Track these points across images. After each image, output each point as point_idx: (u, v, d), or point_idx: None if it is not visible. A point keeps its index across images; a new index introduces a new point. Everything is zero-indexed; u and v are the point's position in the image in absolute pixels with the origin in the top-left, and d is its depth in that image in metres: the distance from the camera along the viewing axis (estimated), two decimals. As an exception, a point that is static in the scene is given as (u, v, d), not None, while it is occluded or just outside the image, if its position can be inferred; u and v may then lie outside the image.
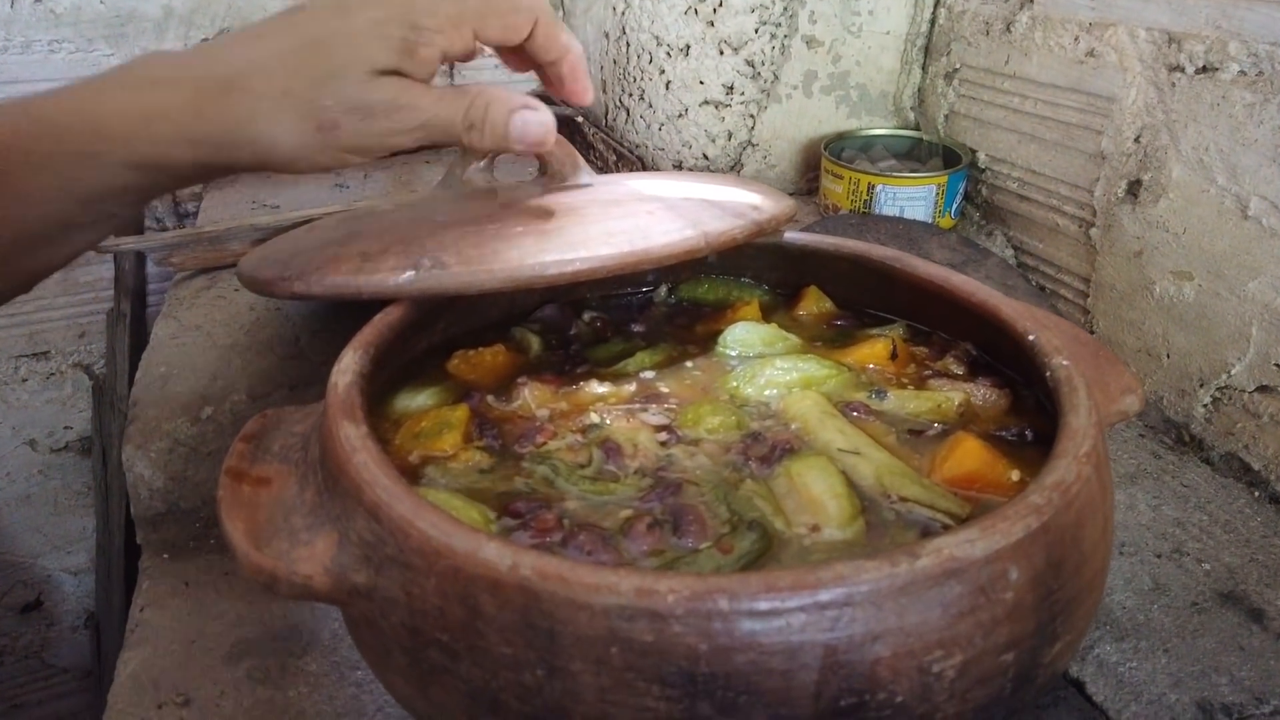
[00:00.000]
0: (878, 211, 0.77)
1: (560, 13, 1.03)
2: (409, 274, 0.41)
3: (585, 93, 0.46)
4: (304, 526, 0.36)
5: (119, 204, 0.43)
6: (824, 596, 0.29)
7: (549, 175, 0.53)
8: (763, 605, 0.29)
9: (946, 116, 0.84)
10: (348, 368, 0.40)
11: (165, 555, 0.55)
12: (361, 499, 0.34)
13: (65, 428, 0.93)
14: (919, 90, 0.87)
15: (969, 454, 0.41)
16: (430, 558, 0.31)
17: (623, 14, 0.85)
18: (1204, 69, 0.58)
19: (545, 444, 0.43)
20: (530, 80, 0.51)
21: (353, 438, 0.36)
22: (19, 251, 0.42)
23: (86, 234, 0.44)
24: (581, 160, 0.53)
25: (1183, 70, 0.59)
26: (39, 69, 0.81)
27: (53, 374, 0.89)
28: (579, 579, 0.30)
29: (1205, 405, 0.60)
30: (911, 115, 0.88)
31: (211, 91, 0.39)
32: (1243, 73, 0.56)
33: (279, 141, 0.39)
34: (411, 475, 0.40)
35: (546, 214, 0.45)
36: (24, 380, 0.89)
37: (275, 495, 0.38)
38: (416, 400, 0.46)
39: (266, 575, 0.34)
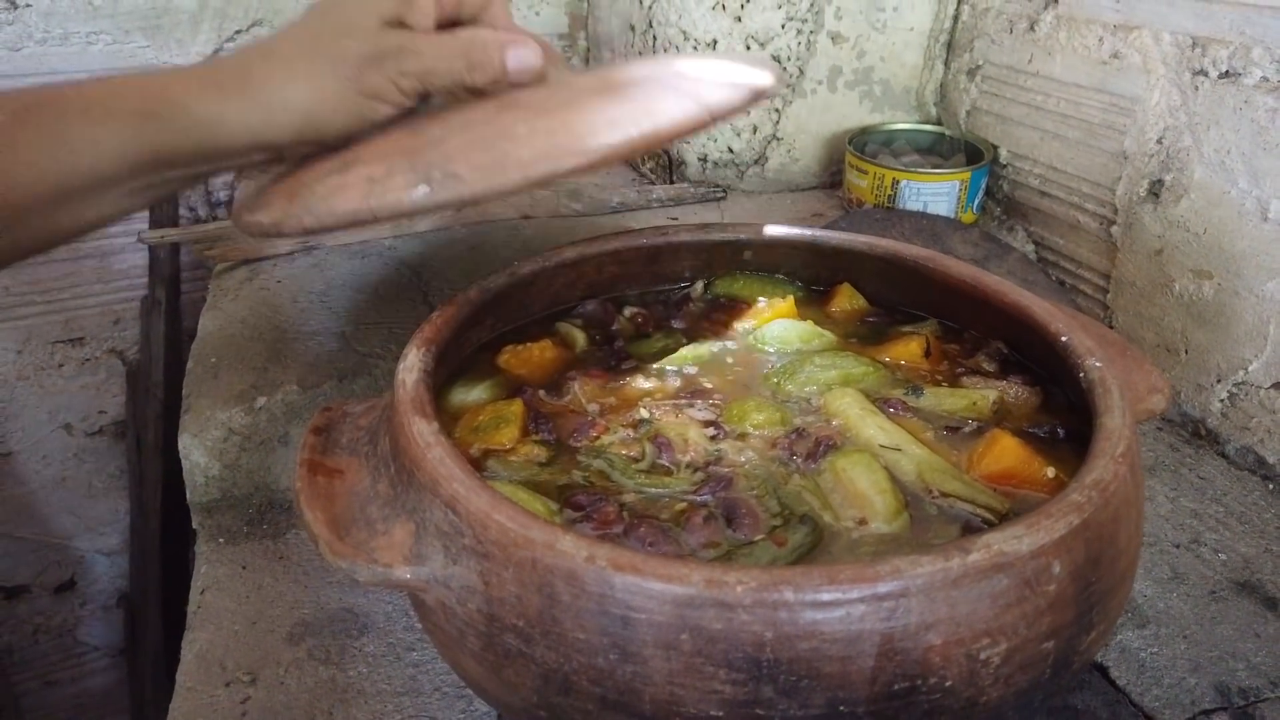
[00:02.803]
0: (901, 206, 0.78)
1: (585, 4, 1.04)
2: (422, 189, 0.39)
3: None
4: (380, 517, 0.38)
5: (165, 174, 0.44)
6: (882, 589, 0.31)
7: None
8: (825, 596, 0.31)
9: (969, 112, 0.85)
10: (413, 365, 0.42)
11: (221, 540, 0.56)
12: (438, 492, 0.36)
13: (100, 412, 0.94)
14: (942, 86, 0.89)
15: (1006, 451, 0.43)
16: (508, 549, 0.33)
17: (649, 7, 0.87)
18: (1227, 74, 0.60)
19: (599, 438, 0.45)
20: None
21: (426, 433, 0.38)
22: (59, 202, 0.43)
23: (123, 200, 0.45)
24: (560, 56, 0.51)
25: (1206, 74, 0.61)
26: (77, 60, 0.82)
27: (88, 360, 0.91)
28: (652, 570, 0.32)
29: (1222, 400, 0.62)
30: (934, 111, 0.90)
31: (256, 61, 0.43)
32: (1265, 79, 0.57)
33: (318, 95, 0.43)
34: (475, 468, 0.42)
35: (545, 110, 0.43)
36: (60, 366, 0.91)
37: (349, 486, 0.40)
38: (472, 394, 0.48)
39: (349, 563, 0.36)
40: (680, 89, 0.43)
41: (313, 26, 0.44)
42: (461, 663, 0.38)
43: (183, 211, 0.91)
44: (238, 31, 0.86)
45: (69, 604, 1.01)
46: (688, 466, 0.43)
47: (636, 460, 0.43)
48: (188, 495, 0.58)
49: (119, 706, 1.06)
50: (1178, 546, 0.55)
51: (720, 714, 0.32)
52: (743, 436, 0.45)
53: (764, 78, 0.45)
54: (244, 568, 0.54)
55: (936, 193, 0.77)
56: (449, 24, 0.45)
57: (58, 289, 0.87)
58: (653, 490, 0.41)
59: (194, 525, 0.58)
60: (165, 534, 0.92)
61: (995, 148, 0.81)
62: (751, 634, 0.31)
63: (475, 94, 0.44)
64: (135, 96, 0.42)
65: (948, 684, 0.32)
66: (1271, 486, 0.59)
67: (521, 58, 0.45)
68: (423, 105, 0.45)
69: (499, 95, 0.45)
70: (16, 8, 0.80)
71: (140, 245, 0.87)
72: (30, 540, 0.97)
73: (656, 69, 0.48)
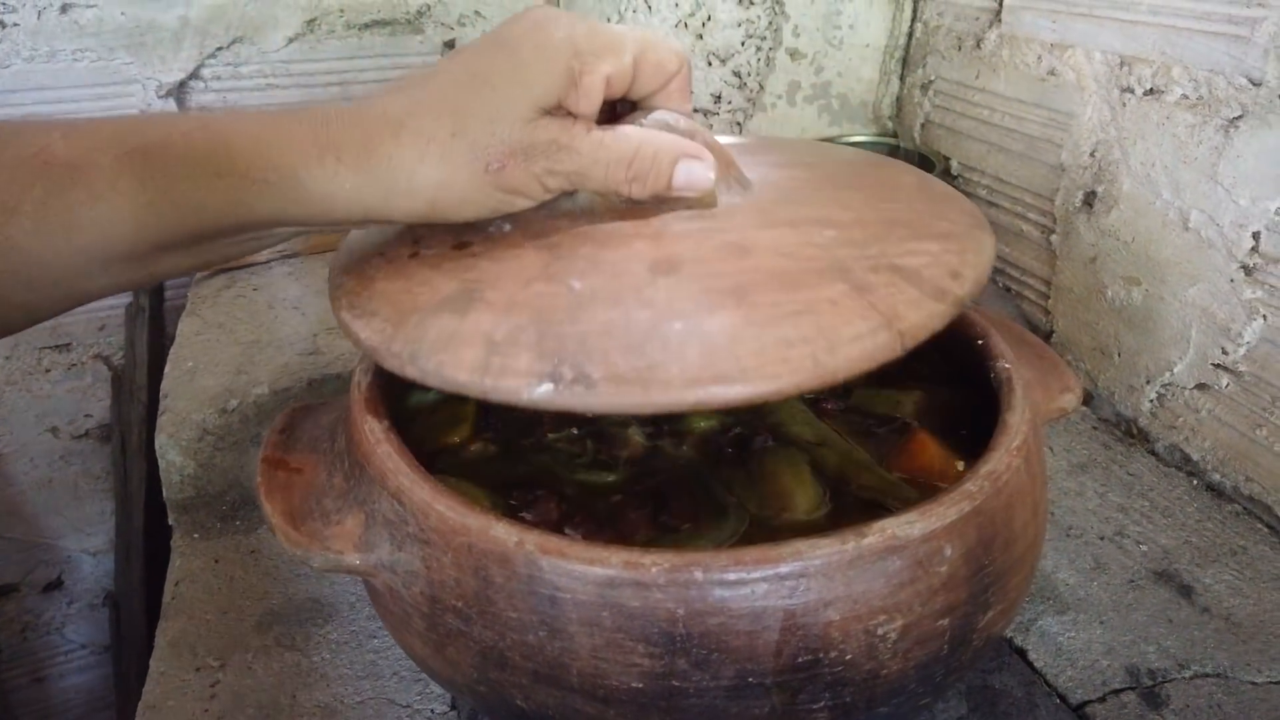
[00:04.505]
0: (856, 216, 0.82)
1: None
2: (546, 387, 0.34)
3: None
4: (334, 509, 0.41)
5: (254, 234, 0.40)
6: (783, 569, 0.34)
7: None
8: (731, 576, 0.34)
9: (922, 125, 0.88)
10: (369, 368, 0.45)
11: (195, 535, 0.59)
12: (385, 485, 0.39)
13: (85, 415, 0.97)
14: (897, 100, 0.92)
15: (922, 448, 0.46)
16: (447, 535, 0.36)
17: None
18: (1151, 91, 0.63)
19: (546, 435, 0.48)
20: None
21: (376, 431, 0.41)
22: (141, 258, 0.38)
23: (188, 260, 0.40)
24: (738, 170, 0.44)
25: (1132, 91, 0.64)
26: (64, 76, 0.85)
27: (74, 365, 0.94)
28: (576, 553, 0.35)
29: (1151, 400, 0.66)
30: (890, 123, 0.93)
31: (382, 132, 0.37)
32: (1185, 96, 0.61)
33: (449, 184, 0.37)
34: (428, 463, 0.45)
35: (708, 298, 0.36)
36: (47, 371, 0.93)
37: (308, 480, 0.43)
38: (429, 395, 0.51)
39: (303, 551, 0.39)
40: (873, 295, 0.36)
41: (455, 100, 0.37)
42: (409, 643, 0.40)
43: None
44: (219, 48, 0.89)
45: (57, 603, 1.04)
46: (626, 462, 0.46)
47: (579, 456, 0.46)
48: (164, 493, 0.61)
49: (105, 702, 1.09)
50: (1102, 539, 0.58)
51: (640, 685, 0.35)
52: (682, 435, 0.48)
53: (974, 273, 0.38)
54: (217, 561, 0.57)
55: (889, 203, 0.80)
56: (619, 101, 0.40)
57: (44, 297, 0.89)
58: (592, 482, 0.44)
59: (170, 521, 0.61)
60: (149, 533, 0.95)
61: (947, 159, 0.84)
62: (666, 610, 0.34)
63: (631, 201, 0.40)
64: (245, 157, 0.36)
65: (848, 657, 0.35)
66: (1195, 482, 0.63)
67: (693, 175, 0.39)
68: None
69: (663, 231, 0.39)
70: (5, 26, 0.83)
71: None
72: (18, 540, 1.00)
73: (848, 224, 0.41)
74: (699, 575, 0.34)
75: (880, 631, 0.35)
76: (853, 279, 0.37)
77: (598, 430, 0.48)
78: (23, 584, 1.02)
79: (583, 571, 0.34)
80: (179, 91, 0.90)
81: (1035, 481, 0.41)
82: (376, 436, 0.40)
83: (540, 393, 0.33)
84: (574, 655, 0.35)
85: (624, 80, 0.38)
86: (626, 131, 0.39)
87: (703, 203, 0.41)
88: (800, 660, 0.35)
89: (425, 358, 0.35)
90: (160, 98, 0.89)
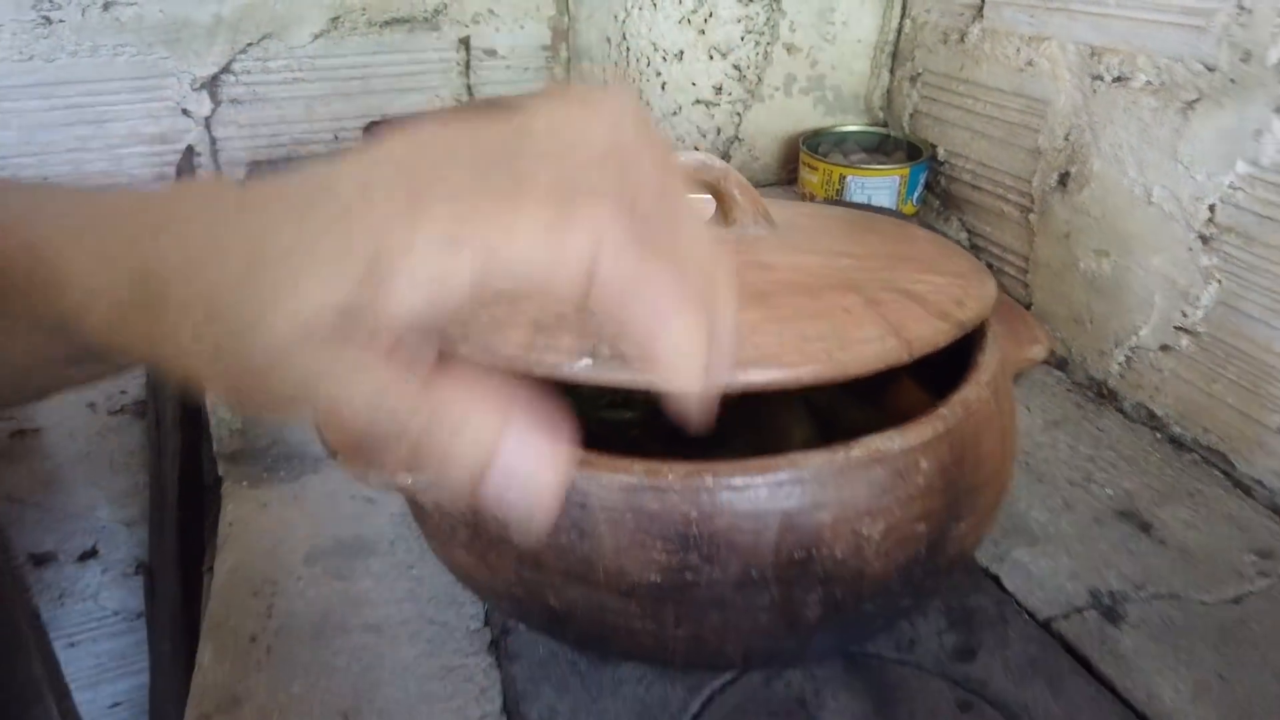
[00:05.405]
0: (848, 199, 0.87)
1: (566, 18, 1.13)
2: (585, 361, 0.38)
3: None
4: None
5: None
6: (782, 476, 0.40)
7: (728, 223, 0.48)
8: (738, 482, 0.40)
9: (911, 115, 0.94)
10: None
11: (244, 483, 0.65)
12: (434, 413, 0.44)
13: (121, 392, 1.02)
14: (887, 92, 0.98)
15: (905, 391, 0.51)
16: (490, 453, 0.42)
17: (623, 22, 0.96)
18: (1119, 78, 0.69)
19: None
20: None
21: (423, 369, 0.46)
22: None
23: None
24: (763, 207, 0.48)
25: (1102, 79, 0.70)
26: (105, 69, 0.91)
27: (111, 343, 0.99)
28: (603, 464, 0.40)
29: (1119, 363, 0.71)
30: (880, 114, 0.99)
31: (143, 298, 0.26)
32: (1149, 82, 0.66)
33: (198, 381, 0.27)
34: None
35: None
36: (86, 349, 0.99)
37: (361, 415, 0.48)
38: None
39: (360, 473, 0.44)
40: (884, 309, 0.40)
41: (224, 293, 0.24)
42: (453, 555, 0.46)
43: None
44: (249, 44, 0.95)
45: (92, 571, 1.09)
46: (644, 404, 0.52)
47: (601, 398, 0.52)
48: (214, 447, 0.66)
49: (138, 667, 1.14)
50: (1071, 484, 0.64)
51: (658, 579, 0.41)
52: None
53: (976, 304, 0.42)
54: (265, 506, 0.63)
55: (879, 186, 0.86)
56: None
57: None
58: (613, 419, 0.50)
59: (219, 473, 0.66)
60: (181, 505, 1.00)
61: (934, 147, 0.90)
62: (681, 513, 0.40)
63: None
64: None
65: (838, 555, 0.41)
66: (1159, 435, 0.68)
67: (506, 490, 0.25)
68: None
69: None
70: (51, 23, 0.88)
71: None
72: (57, 511, 1.05)
73: (863, 256, 0.44)
74: (709, 481, 0.39)
75: (865, 532, 0.41)
76: (865, 294, 0.42)
77: (616, 377, 0.53)
78: (60, 553, 1.07)
79: (609, 479, 0.40)
80: (211, 85, 0.95)
81: (1003, 413, 0.47)
82: (424, 373, 0.46)
83: (580, 366, 0.38)
84: (600, 554, 0.41)
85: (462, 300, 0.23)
86: (437, 380, 0.25)
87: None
88: (796, 556, 0.40)
89: (478, 335, 0.39)
90: (194, 90, 0.95)
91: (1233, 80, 0.60)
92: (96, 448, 1.03)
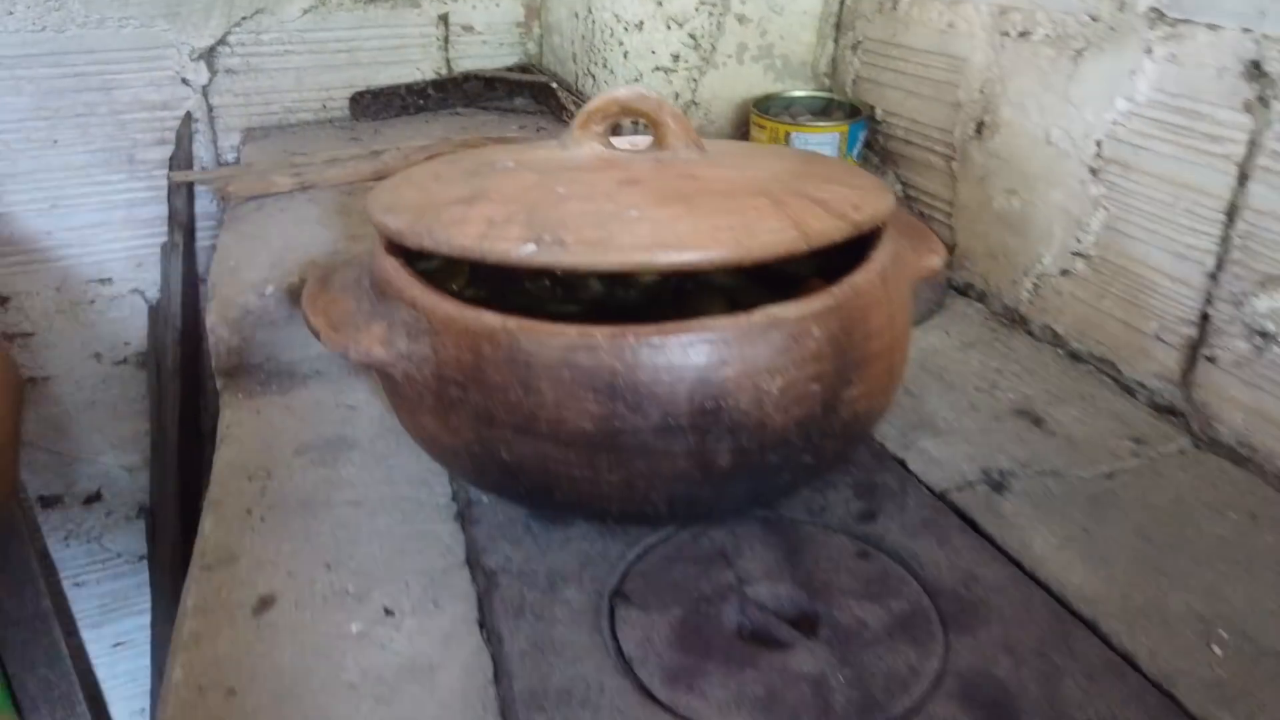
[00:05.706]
0: (794, 154, 0.95)
1: (538, -3, 1.21)
2: (530, 247, 0.45)
3: None
4: (364, 321, 0.54)
5: None
6: (693, 337, 0.47)
7: (662, 147, 0.57)
8: (656, 341, 0.47)
9: (854, 81, 1.02)
10: (386, 245, 0.58)
11: (240, 395, 0.72)
12: (403, 298, 0.52)
13: (124, 343, 1.10)
14: (832, 59, 1.06)
15: (814, 288, 0.59)
16: (450, 324, 0.49)
17: (589, -3, 1.04)
18: (1023, 33, 0.77)
19: (525, 282, 0.61)
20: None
21: (395, 265, 0.54)
22: None
23: None
24: (695, 136, 0.56)
25: (1009, 35, 0.78)
26: (111, 40, 0.98)
27: (115, 297, 1.07)
28: (544, 329, 0.48)
29: (1028, 290, 0.79)
30: (826, 80, 1.07)
31: None
32: (1047, 35, 0.75)
33: None
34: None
35: (660, 199, 0.48)
36: (91, 302, 1.06)
37: (342, 306, 0.56)
38: (433, 264, 0.64)
39: (341, 347, 0.52)
40: (789, 210, 0.48)
41: None
42: (420, 421, 0.54)
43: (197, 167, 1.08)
44: (244, 18, 1.02)
45: (96, 514, 1.16)
46: (588, 302, 0.59)
47: (551, 299, 0.60)
48: (213, 364, 0.74)
49: (140, 608, 1.21)
50: (978, 390, 0.72)
51: (590, 427, 0.48)
52: (630, 285, 0.61)
53: (872, 208, 0.50)
54: (259, 412, 0.70)
55: (820, 143, 0.94)
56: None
57: (92, 236, 1.03)
58: (560, 312, 0.58)
59: (218, 387, 0.74)
60: (181, 451, 1.08)
61: (873, 108, 0.98)
62: (608, 366, 0.47)
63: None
64: None
65: (743, 406, 0.49)
66: (1060, 351, 0.76)
67: None
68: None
69: (626, 163, 0.52)
70: (61, -3, 0.96)
71: (161, 199, 1.03)
72: (63, 456, 1.12)
73: (778, 172, 0.53)
74: (632, 339, 0.47)
75: (765, 387, 0.49)
76: (774, 198, 0.50)
77: (566, 282, 0.61)
78: (66, 496, 1.15)
79: (550, 340, 0.47)
80: (209, 55, 1.03)
81: (891, 301, 0.54)
82: (396, 268, 0.54)
83: (525, 251, 0.46)
84: (542, 406, 0.48)
85: None
86: None
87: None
88: (707, 406, 0.48)
89: (439, 231, 0.49)
90: (193, 60, 1.02)
91: (1112, 28, 0.68)
92: (101, 396, 1.10)
